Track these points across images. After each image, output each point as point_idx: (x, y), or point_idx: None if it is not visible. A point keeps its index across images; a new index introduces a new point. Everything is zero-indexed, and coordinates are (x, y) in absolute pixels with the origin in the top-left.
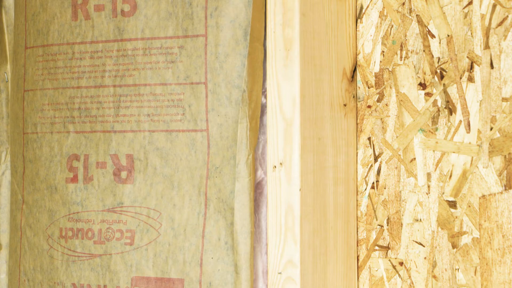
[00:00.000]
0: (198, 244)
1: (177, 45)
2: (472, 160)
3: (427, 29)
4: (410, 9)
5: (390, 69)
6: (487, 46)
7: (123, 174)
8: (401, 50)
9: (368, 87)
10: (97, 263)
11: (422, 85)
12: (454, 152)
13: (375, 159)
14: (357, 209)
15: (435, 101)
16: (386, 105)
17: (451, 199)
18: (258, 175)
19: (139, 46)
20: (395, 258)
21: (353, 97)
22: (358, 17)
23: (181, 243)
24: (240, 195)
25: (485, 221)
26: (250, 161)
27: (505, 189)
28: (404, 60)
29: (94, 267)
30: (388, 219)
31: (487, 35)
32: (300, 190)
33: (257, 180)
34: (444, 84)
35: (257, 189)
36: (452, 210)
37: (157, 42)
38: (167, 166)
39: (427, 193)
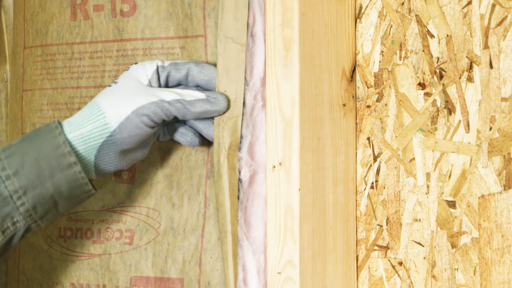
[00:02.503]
0: (197, 243)
1: (179, 45)
2: (471, 160)
3: (426, 29)
4: (409, 9)
5: (389, 69)
6: (486, 46)
7: (124, 174)
8: (400, 50)
9: (368, 87)
10: (96, 262)
11: (422, 85)
12: (453, 152)
13: (375, 159)
14: (356, 209)
15: (434, 101)
16: (386, 105)
17: (450, 199)
18: (242, 174)
19: (139, 46)
20: (395, 258)
21: (352, 97)
22: (357, 17)
23: (180, 242)
24: (218, 194)
25: (484, 221)
26: (224, 161)
27: (505, 189)
28: (404, 60)
29: (93, 267)
30: (387, 219)
31: (486, 35)
32: (299, 190)
33: (243, 179)
34: (443, 84)
35: (249, 188)
36: (452, 210)
37: (158, 42)
38: (167, 166)
39: (426, 193)
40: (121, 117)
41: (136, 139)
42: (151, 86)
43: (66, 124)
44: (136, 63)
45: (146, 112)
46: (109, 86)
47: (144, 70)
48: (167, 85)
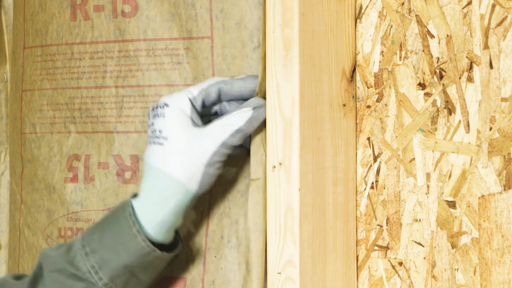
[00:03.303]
0: (201, 242)
1: (183, 46)
2: (471, 160)
3: (426, 29)
4: (410, 9)
5: (389, 69)
6: (486, 46)
7: (127, 174)
8: (401, 50)
9: (368, 87)
10: None
11: (422, 85)
12: (453, 152)
13: (375, 159)
14: (356, 209)
15: (434, 101)
16: (386, 105)
17: (450, 199)
18: None
19: (142, 47)
20: (395, 258)
21: (353, 97)
22: (357, 17)
23: (184, 241)
24: (254, 193)
25: (484, 221)
26: (263, 160)
27: (505, 189)
28: (404, 60)
29: None
30: (387, 219)
31: (486, 35)
32: (299, 190)
33: None
34: (443, 84)
35: None
36: (452, 210)
37: (161, 43)
38: None
39: (426, 193)
40: (197, 176)
41: (212, 183)
42: (195, 124)
43: (145, 207)
44: (166, 105)
45: (216, 159)
46: (160, 144)
47: (182, 112)
48: (203, 106)
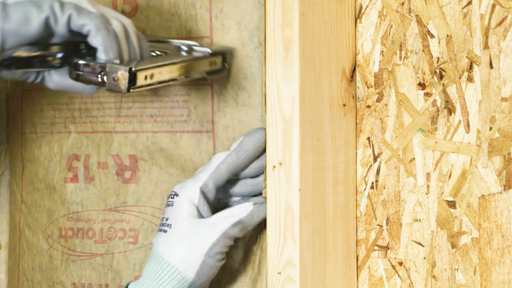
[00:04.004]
0: None
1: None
2: (471, 160)
3: (426, 29)
4: (410, 9)
5: (389, 69)
6: (486, 46)
7: (127, 174)
8: (401, 50)
9: (368, 87)
10: (99, 262)
11: (422, 85)
12: (453, 152)
13: (375, 159)
14: (356, 209)
15: (434, 101)
16: (386, 105)
17: (450, 199)
18: None
19: None
20: (395, 258)
21: (353, 97)
22: (357, 17)
23: None
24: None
25: (484, 221)
26: None
27: (505, 189)
28: (404, 60)
29: (95, 266)
30: (387, 219)
31: (486, 35)
32: (299, 190)
33: None
34: (443, 84)
35: None
36: (452, 210)
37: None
38: (173, 166)
39: (426, 193)
40: (195, 265)
41: (213, 274)
42: (200, 214)
43: None
44: (176, 194)
45: (217, 249)
46: (164, 232)
47: (190, 201)
48: (218, 188)
